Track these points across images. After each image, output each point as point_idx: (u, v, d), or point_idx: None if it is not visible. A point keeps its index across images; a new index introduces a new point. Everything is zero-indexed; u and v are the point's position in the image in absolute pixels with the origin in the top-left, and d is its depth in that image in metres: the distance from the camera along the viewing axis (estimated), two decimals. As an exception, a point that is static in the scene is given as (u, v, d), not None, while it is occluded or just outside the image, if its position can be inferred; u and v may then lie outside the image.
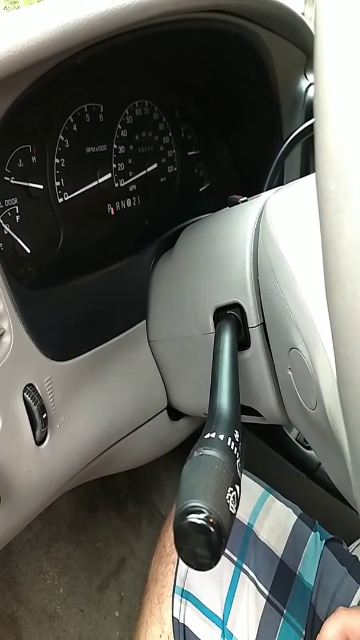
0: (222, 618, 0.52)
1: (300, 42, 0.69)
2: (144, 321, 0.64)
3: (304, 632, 0.51)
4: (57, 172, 0.59)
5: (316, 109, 0.22)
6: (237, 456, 0.35)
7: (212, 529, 0.30)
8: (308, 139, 0.71)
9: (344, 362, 0.23)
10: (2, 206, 0.54)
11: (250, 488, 0.62)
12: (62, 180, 0.60)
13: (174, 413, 0.70)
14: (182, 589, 0.54)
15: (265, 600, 0.52)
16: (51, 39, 0.38)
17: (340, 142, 0.21)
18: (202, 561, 0.31)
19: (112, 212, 0.68)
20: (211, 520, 0.30)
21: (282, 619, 0.52)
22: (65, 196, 0.61)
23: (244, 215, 0.50)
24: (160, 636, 0.54)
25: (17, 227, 0.56)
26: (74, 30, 0.39)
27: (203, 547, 0.30)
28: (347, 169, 0.21)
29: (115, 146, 0.67)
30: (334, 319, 0.23)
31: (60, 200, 0.60)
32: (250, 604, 0.52)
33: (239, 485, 0.34)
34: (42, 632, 0.89)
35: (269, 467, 0.77)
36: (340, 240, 0.22)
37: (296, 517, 0.60)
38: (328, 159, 0.22)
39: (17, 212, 0.56)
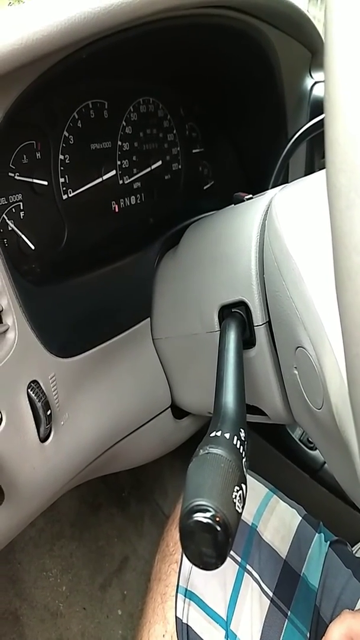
0: (225, 619, 0.51)
1: (305, 39, 0.68)
2: (149, 319, 0.63)
3: (308, 634, 0.51)
4: (62, 168, 0.59)
5: (327, 102, 0.22)
6: (243, 455, 0.35)
7: (218, 528, 0.30)
8: (313, 138, 0.71)
9: (354, 360, 0.23)
10: (6, 202, 0.54)
11: (254, 488, 0.61)
12: (66, 176, 0.60)
13: (178, 411, 0.70)
14: (186, 589, 0.54)
15: (269, 601, 0.52)
16: (56, 32, 0.37)
17: (352, 136, 0.21)
18: (208, 560, 0.31)
19: (117, 209, 0.67)
20: (217, 519, 0.30)
21: (287, 620, 0.51)
22: (70, 193, 0.60)
23: (250, 213, 0.50)
24: (164, 636, 0.53)
25: (22, 223, 0.56)
26: (80, 24, 0.38)
27: (209, 546, 0.30)
28: (359, 163, 0.21)
29: (119, 143, 0.66)
30: (344, 316, 0.23)
31: (65, 196, 0.60)
32: (254, 605, 0.52)
33: (245, 485, 0.34)
34: (45, 630, 0.89)
35: (272, 468, 0.77)
36: (352, 236, 0.21)
37: (300, 518, 0.60)
38: (339, 153, 0.22)
39: (22, 208, 0.56)
